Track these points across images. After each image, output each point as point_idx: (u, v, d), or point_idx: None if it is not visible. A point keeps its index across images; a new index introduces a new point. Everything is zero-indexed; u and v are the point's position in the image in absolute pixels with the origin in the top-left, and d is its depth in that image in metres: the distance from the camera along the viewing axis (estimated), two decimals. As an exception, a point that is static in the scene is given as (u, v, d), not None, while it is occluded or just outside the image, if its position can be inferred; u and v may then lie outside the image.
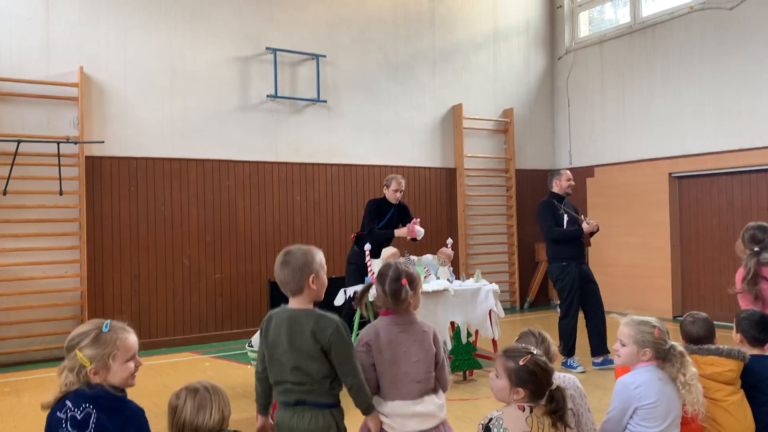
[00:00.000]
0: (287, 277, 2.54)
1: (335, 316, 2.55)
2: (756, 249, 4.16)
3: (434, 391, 2.71)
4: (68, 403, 2.09)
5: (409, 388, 2.63)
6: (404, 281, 2.68)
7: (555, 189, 6.28)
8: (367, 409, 2.58)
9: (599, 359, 6.03)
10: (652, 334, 2.75)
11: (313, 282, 2.54)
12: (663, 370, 2.76)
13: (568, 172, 6.37)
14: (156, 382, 5.83)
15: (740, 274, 4.22)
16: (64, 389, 2.12)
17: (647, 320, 2.81)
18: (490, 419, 2.29)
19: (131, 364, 2.19)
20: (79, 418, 2.06)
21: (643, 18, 9.51)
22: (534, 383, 2.29)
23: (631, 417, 2.73)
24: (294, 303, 2.57)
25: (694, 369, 2.74)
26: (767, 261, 4.16)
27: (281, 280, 2.56)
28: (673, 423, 2.73)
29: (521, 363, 2.30)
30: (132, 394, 2.23)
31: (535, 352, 2.36)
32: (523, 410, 2.28)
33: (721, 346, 3.02)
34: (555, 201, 6.18)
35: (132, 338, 2.21)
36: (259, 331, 2.65)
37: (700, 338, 3.10)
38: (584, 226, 6.03)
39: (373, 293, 2.84)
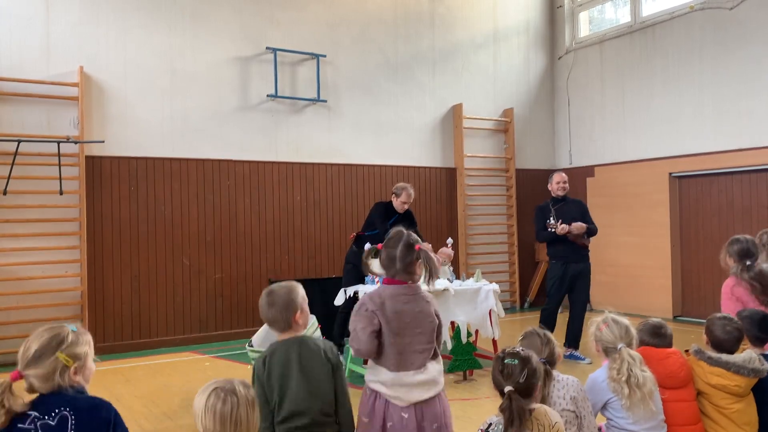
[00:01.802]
0: (275, 316, 2.57)
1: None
2: (748, 263, 3.94)
3: (434, 356, 2.73)
4: (33, 413, 2.00)
5: (413, 359, 2.65)
6: (418, 247, 2.68)
7: (551, 192, 6.74)
8: None
9: (567, 352, 6.41)
10: (599, 329, 2.88)
11: (299, 317, 2.59)
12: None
13: (560, 174, 6.74)
14: (156, 382, 5.82)
15: (728, 286, 4.00)
16: (19, 402, 2.00)
17: (607, 316, 2.91)
18: (489, 424, 2.27)
19: (93, 363, 2.20)
20: (53, 424, 1.99)
21: (643, 18, 9.50)
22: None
23: (606, 409, 2.83)
24: (285, 337, 2.60)
25: (642, 373, 2.72)
26: None
27: (269, 319, 2.60)
28: (648, 416, 2.74)
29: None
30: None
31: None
32: None
33: (731, 360, 2.95)
34: (550, 204, 6.62)
35: (90, 337, 2.23)
36: (253, 375, 2.56)
37: (721, 343, 3.06)
38: (553, 230, 6.37)
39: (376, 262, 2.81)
